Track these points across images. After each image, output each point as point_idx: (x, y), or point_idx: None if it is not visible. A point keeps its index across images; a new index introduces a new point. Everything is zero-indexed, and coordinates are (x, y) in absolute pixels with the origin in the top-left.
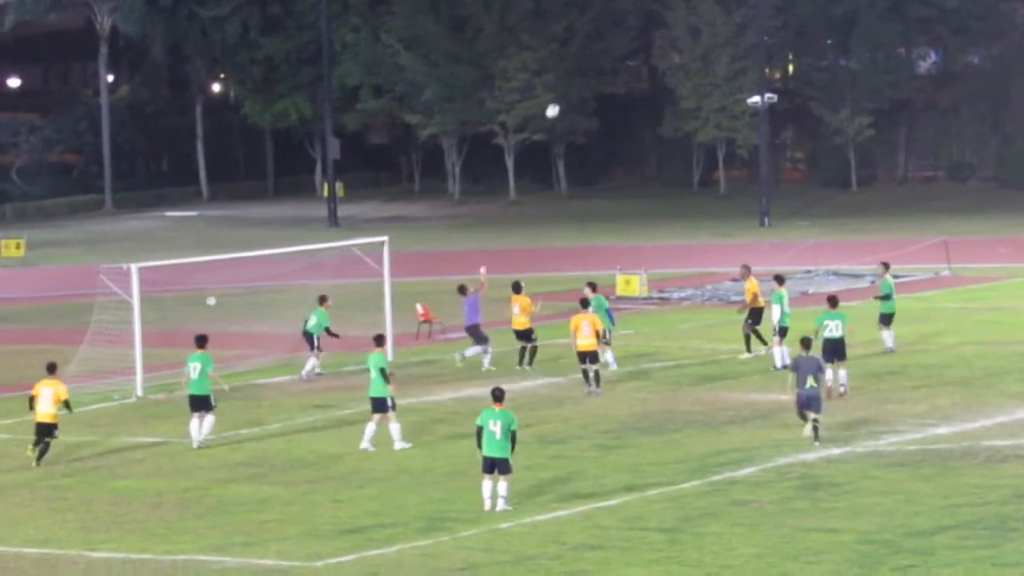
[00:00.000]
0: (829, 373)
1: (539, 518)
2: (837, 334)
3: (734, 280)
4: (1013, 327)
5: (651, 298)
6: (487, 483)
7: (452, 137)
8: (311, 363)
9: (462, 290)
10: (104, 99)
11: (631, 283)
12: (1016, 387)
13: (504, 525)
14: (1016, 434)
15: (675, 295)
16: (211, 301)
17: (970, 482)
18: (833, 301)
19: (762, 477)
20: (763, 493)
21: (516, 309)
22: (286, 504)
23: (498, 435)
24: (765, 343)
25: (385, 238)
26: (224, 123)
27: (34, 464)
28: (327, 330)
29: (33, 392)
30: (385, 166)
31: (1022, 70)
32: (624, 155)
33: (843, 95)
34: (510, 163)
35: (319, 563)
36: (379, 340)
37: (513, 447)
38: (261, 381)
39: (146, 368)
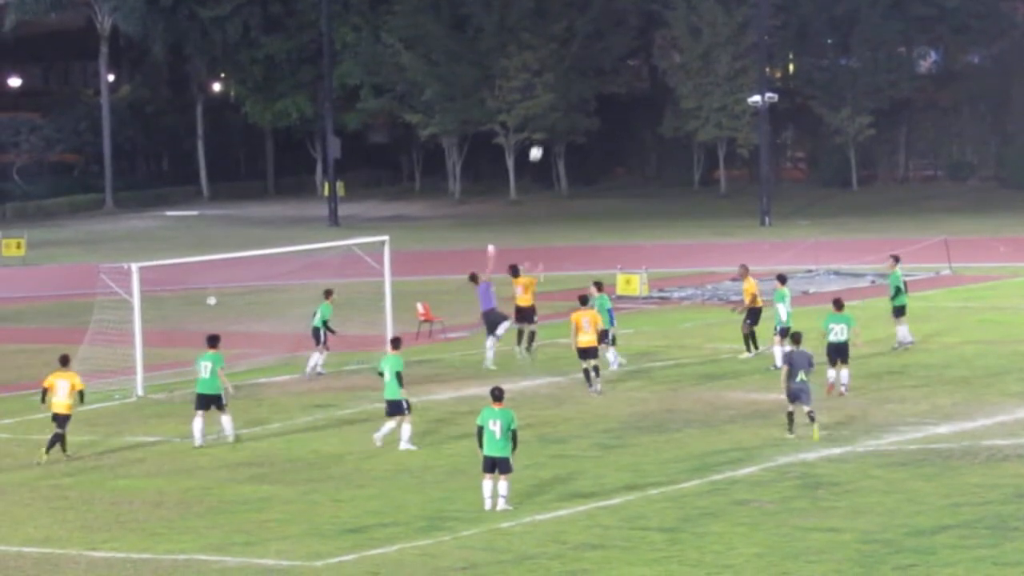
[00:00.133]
0: (831, 372)
1: (540, 517)
2: (842, 337)
3: (734, 280)
4: (1014, 326)
5: (651, 297)
6: (487, 482)
7: (453, 136)
8: (315, 358)
9: (473, 278)
10: (105, 99)
11: (631, 282)
12: (1016, 386)
13: (505, 524)
14: (1016, 433)
15: (675, 294)
16: (211, 301)
17: (971, 481)
18: (838, 304)
19: (763, 476)
20: (764, 492)
21: (519, 291)
22: (287, 503)
23: (498, 434)
24: (757, 348)
25: (386, 237)
26: (225, 122)
27: (41, 460)
28: (325, 323)
29: (46, 384)
30: (386, 165)
31: (1022, 70)
32: (624, 155)
33: (843, 94)
34: (510, 162)
35: (320, 563)
36: (396, 343)
37: (514, 446)
38: (262, 380)
39: (146, 368)
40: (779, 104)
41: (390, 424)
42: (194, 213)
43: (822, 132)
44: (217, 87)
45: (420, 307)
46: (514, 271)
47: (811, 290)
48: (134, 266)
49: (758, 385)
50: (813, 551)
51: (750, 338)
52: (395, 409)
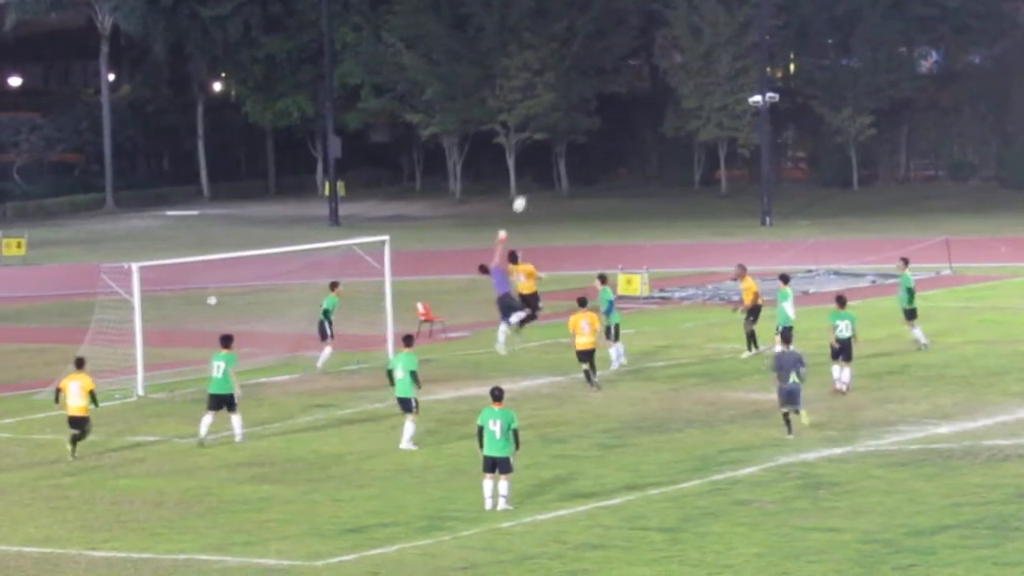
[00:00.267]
0: (835, 370)
1: (540, 517)
2: (846, 334)
3: (734, 280)
4: (1014, 326)
5: (652, 297)
6: (488, 482)
7: (453, 136)
8: (326, 353)
9: (483, 269)
10: (105, 98)
11: (632, 282)
12: (1017, 386)
13: (505, 524)
14: (1017, 433)
15: (676, 294)
16: (212, 300)
17: (971, 481)
18: (841, 301)
19: (763, 476)
20: (764, 492)
21: (521, 277)
22: (287, 503)
23: (498, 434)
24: (758, 347)
25: (386, 237)
26: (225, 122)
27: (71, 458)
28: (327, 314)
29: (60, 386)
30: (386, 165)
31: (1023, 70)
32: (625, 154)
33: (844, 94)
34: (511, 162)
35: (320, 562)
36: (408, 340)
37: (516, 446)
38: (262, 380)
39: (147, 367)
40: (780, 104)
41: (409, 426)
42: (195, 213)
43: (823, 132)
44: (218, 86)
45: (420, 307)
46: (512, 257)
47: (811, 290)
48: (134, 266)
49: (759, 385)
50: (813, 551)
51: (751, 337)
52: (404, 407)
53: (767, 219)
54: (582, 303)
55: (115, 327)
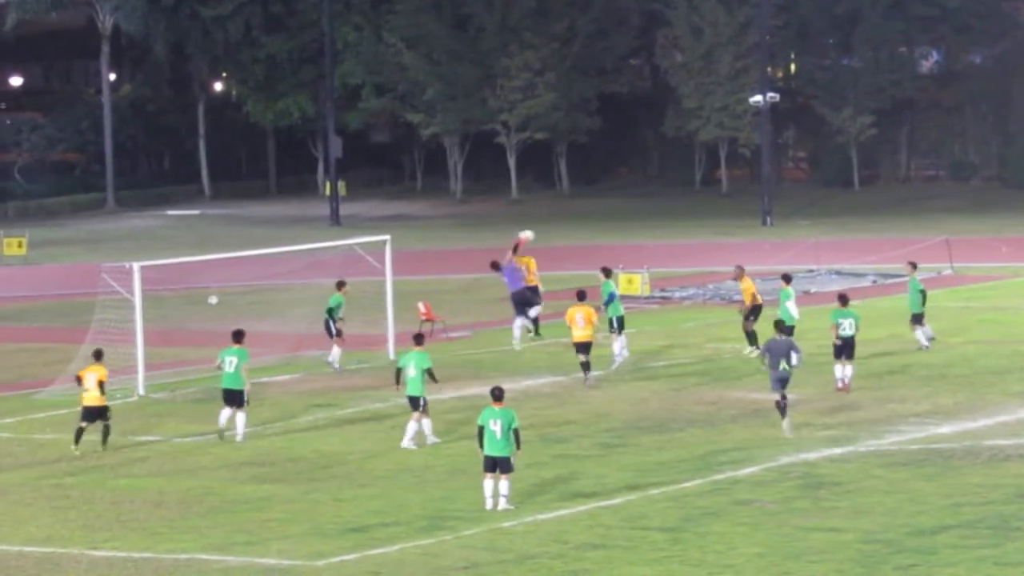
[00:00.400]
0: (838, 368)
1: (541, 517)
2: (850, 332)
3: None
4: (1015, 326)
5: (653, 297)
6: (489, 482)
7: (454, 136)
8: (335, 351)
9: (495, 266)
10: (106, 98)
11: (633, 282)
12: (1018, 386)
13: (506, 524)
14: (1018, 433)
15: (677, 294)
16: (213, 300)
17: (972, 481)
18: (844, 299)
19: (764, 476)
20: (765, 492)
21: (524, 270)
22: (288, 503)
23: (499, 434)
24: (758, 347)
25: (387, 237)
26: (226, 122)
27: (102, 448)
28: (331, 312)
29: (79, 374)
30: (387, 165)
31: None
32: (626, 154)
33: (845, 94)
34: (512, 162)
35: (321, 562)
36: (419, 339)
37: (517, 445)
38: (264, 380)
39: (148, 367)
40: (781, 104)
41: (426, 421)
42: (195, 212)
43: (824, 132)
44: (219, 86)
45: (421, 306)
46: (514, 250)
47: (812, 290)
48: (135, 265)
49: (760, 385)
50: (814, 551)
51: (751, 336)
52: (413, 405)
53: (768, 219)
54: (580, 296)
55: (116, 327)
